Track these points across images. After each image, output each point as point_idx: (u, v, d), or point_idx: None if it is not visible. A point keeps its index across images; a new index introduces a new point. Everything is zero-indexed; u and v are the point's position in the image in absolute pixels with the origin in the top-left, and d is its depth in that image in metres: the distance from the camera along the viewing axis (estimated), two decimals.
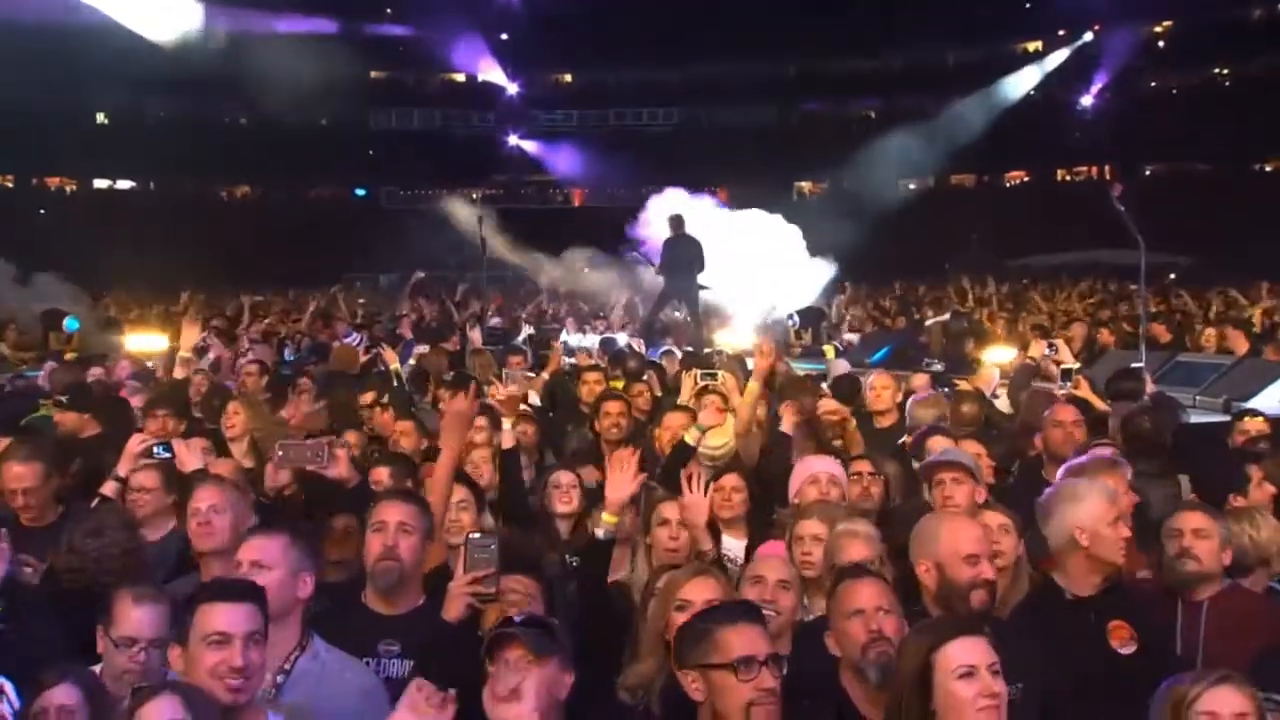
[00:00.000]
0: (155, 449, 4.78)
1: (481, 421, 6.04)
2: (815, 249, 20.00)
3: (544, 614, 3.56)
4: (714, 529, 5.07)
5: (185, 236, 28.80)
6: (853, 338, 15.45)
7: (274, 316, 16.43)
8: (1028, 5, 36.06)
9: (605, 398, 7.08)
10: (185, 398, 7.61)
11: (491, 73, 43.93)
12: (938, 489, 4.87)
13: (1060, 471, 5.06)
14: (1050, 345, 8.08)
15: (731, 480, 5.34)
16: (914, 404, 7.17)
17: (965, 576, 3.67)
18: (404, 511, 3.94)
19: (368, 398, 7.76)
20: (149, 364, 9.65)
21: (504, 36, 42.30)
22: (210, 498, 4.24)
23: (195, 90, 36.93)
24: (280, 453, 4.89)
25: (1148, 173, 36.20)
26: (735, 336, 13.07)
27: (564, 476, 5.39)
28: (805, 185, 47.03)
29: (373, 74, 42.13)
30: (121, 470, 4.83)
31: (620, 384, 8.33)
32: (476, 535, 3.73)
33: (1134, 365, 8.60)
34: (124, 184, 42.89)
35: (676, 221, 15.94)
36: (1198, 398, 9.21)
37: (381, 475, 5.26)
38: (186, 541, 4.40)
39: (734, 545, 5.13)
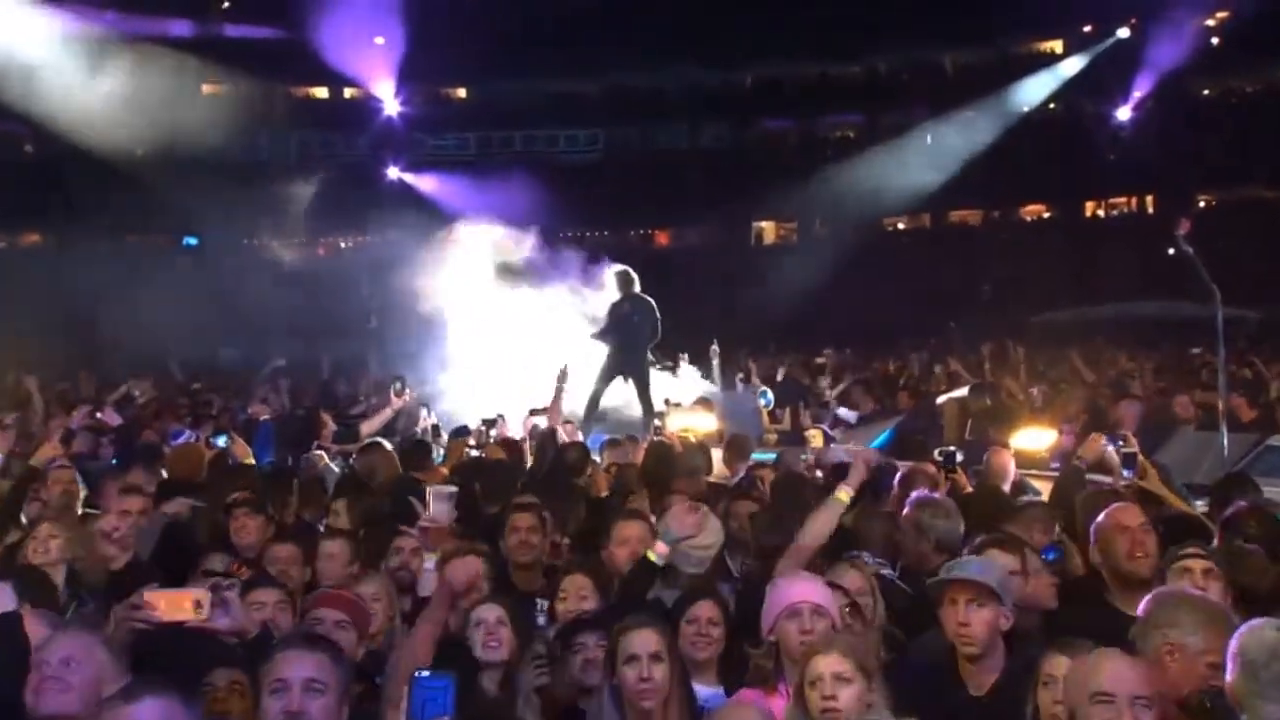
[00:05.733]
0: None
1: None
2: (775, 306, 19.73)
3: None
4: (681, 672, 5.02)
5: None
6: (848, 415, 15.54)
7: (83, 406, 16.12)
8: None
9: (514, 509, 6.99)
10: None
11: (365, 86, 43.90)
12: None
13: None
14: (1117, 439, 8.08)
15: (708, 610, 5.30)
16: (917, 506, 7.02)
17: None
18: (312, 665, 3.87)
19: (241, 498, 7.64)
20: None
21: (380, 41, 42.33)
22: (67, 648, 4.20)
23: None
24: (151, 604, 4.75)
25: (1201, 204, 36.98)
26: (696, 420, 13.06)
27: (490, 612, 5.28)
28: (767, 225, 47.62)
29: (205, 88, 41.88)
30: None
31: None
32: (425, 674, 3.67)
33: (1237, 471, 8.68)
34: None
35: (625, 279, 16.09)
36: None
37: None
38: None
39: (710, 696, 5.05)
